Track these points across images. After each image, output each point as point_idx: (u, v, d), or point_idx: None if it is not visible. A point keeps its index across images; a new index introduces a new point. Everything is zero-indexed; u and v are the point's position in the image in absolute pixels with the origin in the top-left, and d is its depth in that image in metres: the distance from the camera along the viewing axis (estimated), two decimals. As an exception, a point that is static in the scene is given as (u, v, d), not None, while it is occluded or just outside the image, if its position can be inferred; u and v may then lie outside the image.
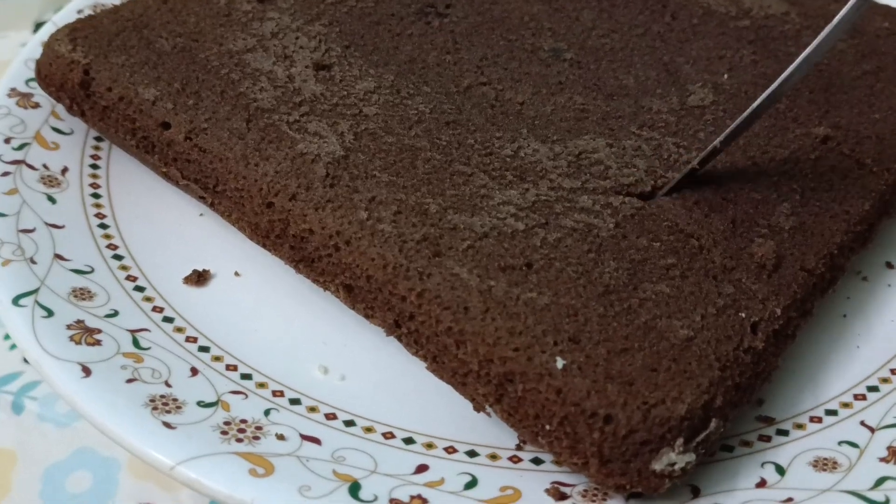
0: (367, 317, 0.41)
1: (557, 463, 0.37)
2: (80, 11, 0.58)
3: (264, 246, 0.44)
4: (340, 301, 0.42)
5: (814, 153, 0.46)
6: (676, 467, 0.34)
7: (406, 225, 0.40)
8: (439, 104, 0.47)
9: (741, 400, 0.37)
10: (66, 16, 0.58)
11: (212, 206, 0.46)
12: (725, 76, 0.51)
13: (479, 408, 0.37)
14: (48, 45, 0.51)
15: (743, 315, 0.38)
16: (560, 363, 0.35)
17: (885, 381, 0.42)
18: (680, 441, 0.34)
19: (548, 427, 0.35)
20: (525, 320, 0.36)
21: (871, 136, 0.47)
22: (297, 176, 0.42)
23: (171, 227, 0.48)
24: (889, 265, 0.48)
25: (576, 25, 0.54)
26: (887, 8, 0.59)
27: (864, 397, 0.41)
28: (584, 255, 0.39)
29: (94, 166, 0.51)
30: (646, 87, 0.50)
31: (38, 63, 0.51)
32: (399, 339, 0.39)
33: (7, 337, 0.50)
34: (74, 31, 0.51)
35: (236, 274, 0.46)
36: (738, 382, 0.36)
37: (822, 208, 0.43)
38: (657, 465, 0.33)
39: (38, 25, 0.81)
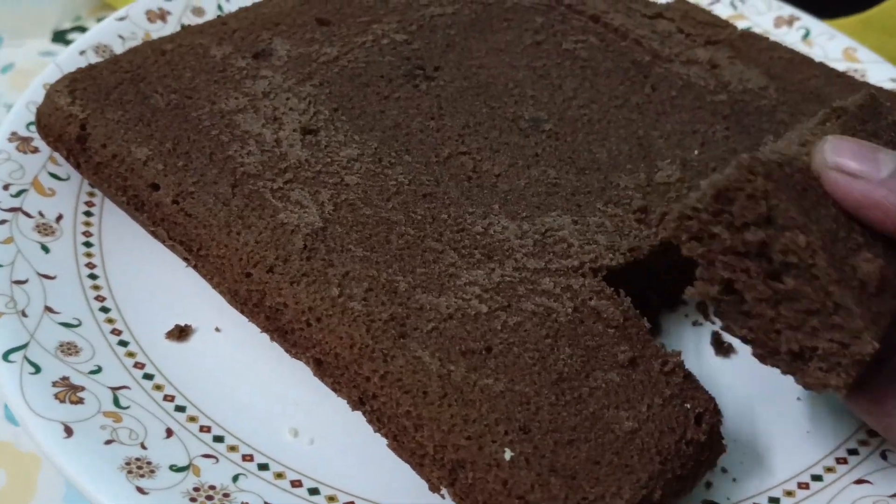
0: (334, 390, 0.43)
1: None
2: (82, 52, 0.60)
3: (242, 312, 0.46)
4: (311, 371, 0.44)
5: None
6: (611, 560, 0.36)
7: (376, 303, 0.42)
8: (418, 175, 0.49)
9: (682, 489, 0.39)
10: (69, 57, 0.59)
11: (195, 267, 0.48)
12: (696, 152, 0.53)
13: (434, 488, 0.40)
14: (48, 96, 0.53)
15: (688, 406, 0.40)
16: (508, 455, 0.37)
17: (829, 470, 0.44)
18: (615, 535, 0.36)
19: (494, 514, 0.37)
20: (480, 408, 0.38)
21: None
22: (275, 247, 0.45)
23: (157, 278, 0.51)
24: (843, 347, 0.50)
25: (558, 94, 0.56)
26: (865, 86, 0.60)
27: (807, 486, 0.43)
28: (542, 340, 0.42)
29: (88, 213, 0.53)
30: (617, 162, 0.52)
31: (39, 112, 0.53)
32: (364, 414, 0.42)
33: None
34: (74, 83, 0.53)
35: (217, 329, 0.49)
36: (680, 474, 0.39)
37: None
38: (593, 557, 0.36)
39: (57, 34, 0.83)
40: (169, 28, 0.64)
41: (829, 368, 0.36)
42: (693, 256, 0.38)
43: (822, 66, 0.61)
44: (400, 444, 0.40)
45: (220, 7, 0.67)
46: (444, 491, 0.39)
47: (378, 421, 0.41)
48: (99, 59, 0.59)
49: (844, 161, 0.36)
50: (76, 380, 0.44)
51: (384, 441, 0.41)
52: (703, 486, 0.43)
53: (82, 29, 0.85)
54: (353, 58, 0.57)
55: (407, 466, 0.41)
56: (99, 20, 0.87)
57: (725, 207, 0.36)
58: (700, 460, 0.40)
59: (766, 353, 0.38)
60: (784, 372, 0.38)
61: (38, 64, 0.77)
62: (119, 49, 0.61)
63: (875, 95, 0.43)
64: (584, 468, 0.37)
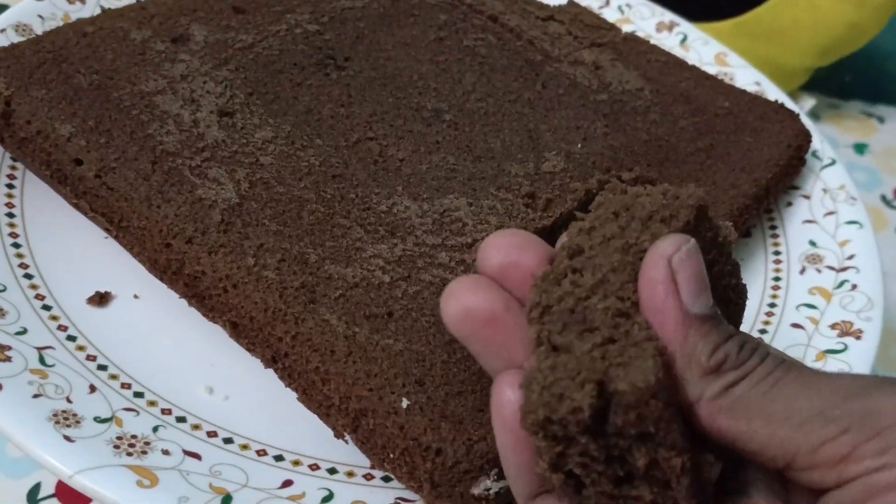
0: (248, 350, 0.47)
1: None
2: (2, 30, 0.62)
3: (161, 279, 0.50)
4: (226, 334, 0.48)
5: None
6: (491, 492, 0.41)
7: (288, 273, 0.47)
8: (328, 157, 0.54)
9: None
10: (-11, 35, 0.62)
11: (116, 238, 0.51)
12: (579, 145, 0.59)
13: (338, 435, 0.44)
14: (-29, 72, 0.55)
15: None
16: (405, 403, 0.42)
17: None
18: (495, 471, 0.41)
19: (392, 455, 0.42)
20: (381, 364, 0.43)
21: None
22: (194, 220, 0.48)
23: (78, 248, 0.54)
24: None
25: (457, 87, 0.61)
26: (731, 88, 0.68)
27: None
28: (437, 306, 0.46)
29: (10, 185, 0.56)
30: (509, 152, 0.57)
31: (-38, 87, 0.55)
32: (275, 371, 0.46)
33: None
34: (-2, 60, 0.55)
35: (135, 297, 0.52)
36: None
37: None
38: (476, 490, 0.41)
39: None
40: (87, 9, 0.66)
41: None
42: (545, 458, 0.33)
43: (693, 69, 0.68)
44: (308, 397, 0.45)
45: (137, -9, 0.70)
46: (347, 437, 0.44)
47: (289, 377, 0.45)
48: (19, 38, 0.61)
49: (681, 277, 0.33)
50: (3, 340, 0.46)
51: (293, 395, 0.46)
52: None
53: (-13, 0, 0.86)
54: (268, 45, 0.61)
55: (314, 417, 0.45)
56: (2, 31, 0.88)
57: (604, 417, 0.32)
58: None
59: None
60: None
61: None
62: (39, 28, 0.63)
63: (704, 208, 0.37)
64: (470, 415, 0.42)
